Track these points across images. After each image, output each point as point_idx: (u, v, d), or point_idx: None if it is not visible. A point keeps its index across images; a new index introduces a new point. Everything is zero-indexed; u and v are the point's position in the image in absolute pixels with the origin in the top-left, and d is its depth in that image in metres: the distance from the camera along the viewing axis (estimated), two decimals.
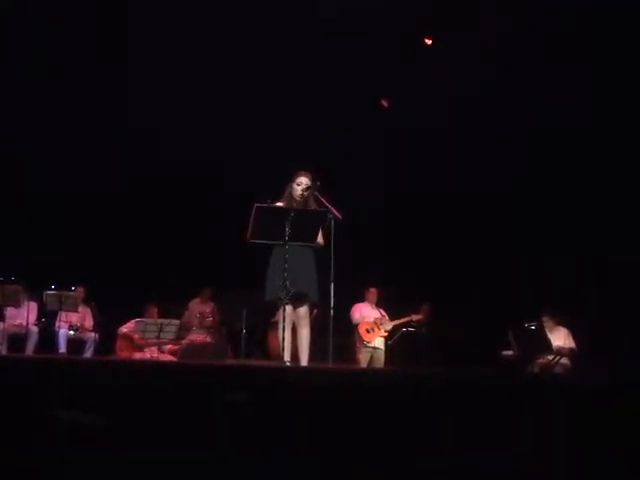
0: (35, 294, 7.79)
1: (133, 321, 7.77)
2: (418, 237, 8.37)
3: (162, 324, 7.34)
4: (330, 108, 8.01)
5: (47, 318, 7.97)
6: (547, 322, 7.14)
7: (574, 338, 7.15)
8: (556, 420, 2.49)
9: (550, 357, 6.89)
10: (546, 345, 6.71)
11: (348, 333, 7.89)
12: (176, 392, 2.66)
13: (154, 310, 8.08)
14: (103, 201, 8.72)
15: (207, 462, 2.28)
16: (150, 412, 2.50)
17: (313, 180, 4.97)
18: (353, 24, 7.33)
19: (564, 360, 6.96)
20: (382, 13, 7.30)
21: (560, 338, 7.09)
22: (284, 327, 4.59)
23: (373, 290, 8.10)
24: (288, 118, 8.19)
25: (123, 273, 8.35)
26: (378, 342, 7.87)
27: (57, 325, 7.80)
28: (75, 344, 7.92)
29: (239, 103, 8.07)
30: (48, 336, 7.82)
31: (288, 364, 4.62)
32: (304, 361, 4.88)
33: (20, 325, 7.74)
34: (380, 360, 7.83)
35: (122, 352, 7.88)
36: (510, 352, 6.96)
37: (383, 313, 8.07)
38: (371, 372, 5.69)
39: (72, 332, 7.95)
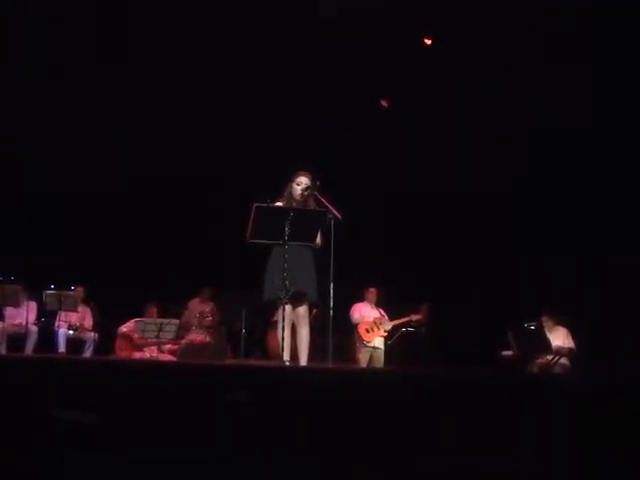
0: (35, 294, 7.79)
1: (133, 321, 7.78)
2: (418, 237, 8.36)
3: (162, 324, 7.34)
4: (330, 108, 8.01)
5: (47, 318, 7.97)
6: (546, 322, 7.13)
7: (573, 338, 7.15)
8: (556, 420, 2.48)
9: (549, 357, 6.89)
10: (545, 345, 6.72)
11: (348, 333, 7.90)
12: (176, 392, 2.66)
13: (154, 310, 8.08)
14: (103, 201, 8.72)
15: (207, 462, 2.28)
16: (150, 412, 2.50)
17: (313, 180, 4.97)
18: (353, 24, 7.32)
19: (563, 360, 6.95)
20: (382, 13, 7.29)
21: (559, 338, 7.09)
22: (283, 327, 4.58)
23: (373, 290, 8.10)
24: (288, 118, 8.19)
25: (123, 273, 8.35)
26: (378, 342, 7.88)
27: (57, 325, 7.80)
28: (74, 344, 7.93)
29: (239, 103, 8.07)
30: (47, 336, 7.83)
31: (288, 364, 4.61)
32: (304, 361, 4.88)
33: (20, 325, 7.75)
34: (380, 360, 7.84)
35: (122, 352, 7.88)
36: (510, 352, 6.96)
37: (383, 313, 8.07)
38: (371, 372, 5.68)
39: (71, 332, 7.96)
